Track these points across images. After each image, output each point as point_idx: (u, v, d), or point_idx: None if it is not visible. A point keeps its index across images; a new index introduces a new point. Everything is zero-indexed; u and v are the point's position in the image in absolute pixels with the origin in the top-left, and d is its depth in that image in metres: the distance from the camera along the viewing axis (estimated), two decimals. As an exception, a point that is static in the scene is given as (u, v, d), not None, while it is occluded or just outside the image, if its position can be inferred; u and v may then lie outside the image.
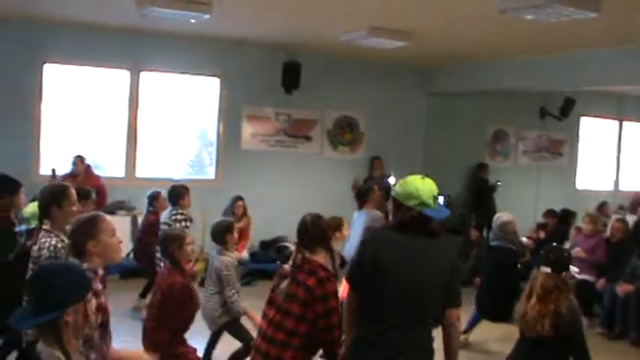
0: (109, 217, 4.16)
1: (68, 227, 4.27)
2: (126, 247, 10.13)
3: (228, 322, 6.64)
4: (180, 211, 8.37)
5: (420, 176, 4.21)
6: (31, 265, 4.88)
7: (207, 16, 8.81)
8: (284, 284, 4.89)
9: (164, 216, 8.54)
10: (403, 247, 4.09)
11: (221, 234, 6.78)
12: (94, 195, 7.74)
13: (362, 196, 8.94)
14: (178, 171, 12.19)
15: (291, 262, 4.96)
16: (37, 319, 2.82)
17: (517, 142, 15.43)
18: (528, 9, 7.43)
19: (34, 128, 10.84)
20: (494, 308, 8.08)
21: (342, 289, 5.63)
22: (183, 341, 5.81)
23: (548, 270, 5.14)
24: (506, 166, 15.15)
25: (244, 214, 10.90)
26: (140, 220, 10.55)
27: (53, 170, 10.37)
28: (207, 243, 11.15)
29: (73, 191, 5.07)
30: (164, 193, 9.04)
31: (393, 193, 4.23)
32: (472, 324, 8.40)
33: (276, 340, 4.73)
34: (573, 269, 8.44)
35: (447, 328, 4.17)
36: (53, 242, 4.73)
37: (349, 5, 8.54)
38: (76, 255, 3.99)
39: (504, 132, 15.20)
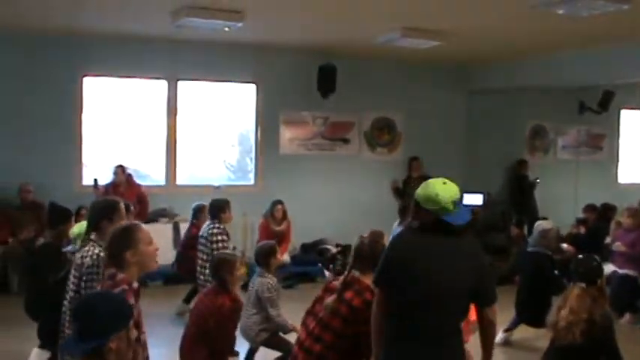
0: (144, 226, 4.20)
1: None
2: (169, 254, 10.29)
3: (267, 339, 6.69)
4: (217, 225, 8.41)
5: (442, 180, 4.16)
6: (73, 272, 5.01)
7: (240, 24, 8.95)
8: (330, 299, 4.97)
9: (202, 229, 8.63)
10: (425, 247, 4.09)
11: (265, 257, 6.80)
12: (132, 208, 7.92)
13: (405, 210, 8.97)
14: (220, 177, 12.33)
15: (341, 278, 5.01)
16: (83, 346, 2.93)
17: (556, 137, 15.32)
18: (559, 3, 7.45)
19: (76, 139, 11.08)
20: (534, 314, 8.04)
21: None
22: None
23: (583, 285, 5.16)
24: (546, 162, 15.04)
25: (284, 217, 11.02)
26: (182, 227, 10.71)
27: (95, 180, 10.57)
28: (248, 247, 11.34)
29: (123, 206, 5.21)
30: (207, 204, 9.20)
31: (415, 195, 4.19)
32: (515, 323, 8.37)
33: (313, 352, 4.82)
34: (608, 267, 8.44)
35: (482, 327, 4.18)
36: (96, 251, 4.84)
37: (382, 7, 8.60)
38: (114, 265, 4.03)
39: (543, 128, 15.10)
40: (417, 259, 4.07)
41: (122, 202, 5.35)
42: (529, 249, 8.41)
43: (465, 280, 4.01)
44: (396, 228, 9.05)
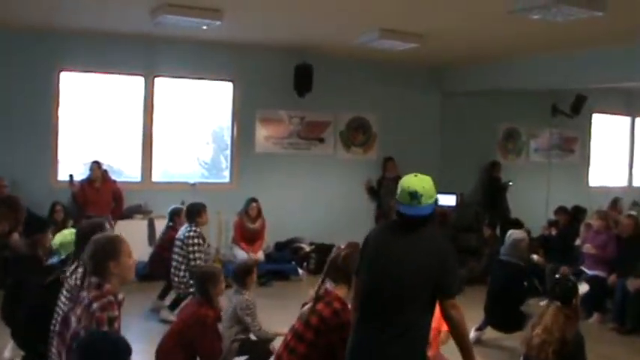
0: (125, 239, 4.30)
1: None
2: (144, 250, 10.33)
3: (241, 346, 6.70)
4: (194, 229, 8.57)
5: (412, 174, 4.30)
6: (65, 294, 5.14)
7: (218, 22, 9.00)
8: (304, 309, 5.10)
9: (180, 233, 8.72)
10: (387, 239, 4.26)
11: (242, 275, 6.82)
12: (111, 223, 8.06)
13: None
14: (194, 174, 12.34)
15: (314, 291, 5.10)
16: None
17: (528, 140, 15.49)
18: (535, 9, 7.56)
19: (52, 135, 11.03)
20: (502, 321, 8.15)
21: None
22: None
23: (558, 304, 5.27)
24: (518, 164, 15.21)
25: (259, 215, 11.08)
26: (157, 223, 10.75)
27: (71, 176, 10.56)
28: (222, 245, 11.39)
29: (108, 225, 5.43)
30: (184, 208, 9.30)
31: None
32: (485, 324, 8.48)
33: None
34: (584, 287, 8.61)
35: (446, 320, 4.27)
36: None
37: (360, 8, 8.66)
38: (96, 275, 4.13)
39: (516, 130, 15.26)
40: (376, 251, 4.24)
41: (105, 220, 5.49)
42: (501, 257, 8.47)
43: (425, 273, 4.10)
44: None
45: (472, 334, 8.30)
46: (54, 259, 6.24)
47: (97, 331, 3.60)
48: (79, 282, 4.92)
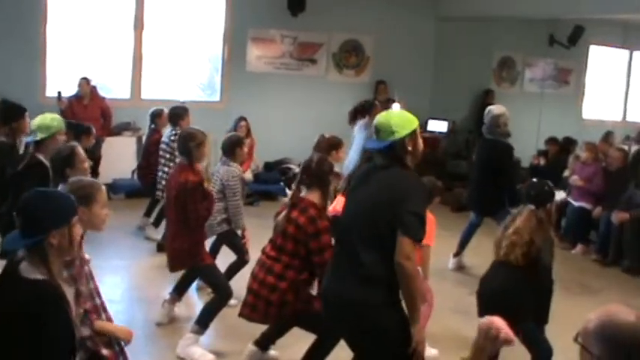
0: (104, 189, 4.15)
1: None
2: (131, 167, 10.34)
3: (226, 232, 6.75)
4: (179, 131, 8.50)
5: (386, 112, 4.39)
6: None
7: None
8: (280, 217, 5.05)
9: (165, 136, 8.69)
10: (359, 180, 4.26)
11: (232, 147, 6.82)
12: (93, 130, 7.95)
13: (363, 111, 8.89)
14: (185, 93, 12.19)
15: (288, 198, 5.10)
16: (23, 242, 3.09)
17: (523, 69, 15.37)
18: None
19: (40, 50, 10.82)
20: (485, 202, 8.13)
21: (335, 203, 5.81)
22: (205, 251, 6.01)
23: (532, 207, 5.23)
24: (512, 93, 15.10)
25: (248, 135, 10.99)
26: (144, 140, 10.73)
27: (59, 92, 10.41)
28: (212, 164, 11.34)
29: (81, 150, 5.31)
30: (167, 110, 9.22)
31: None
32: (462, 244, 8.50)
33: (273, 270, 4.91)
34: (560, 194, 8.55)
35: (396, 269, 3.90)
36: None
37: None
38: None
39: (511, 59, 15.13)
40: (350, 195, 4.31)
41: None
42: (486, 136, 8.35)
43: (380, 211, 3.96)
44: (357, 131, 8.95)
45: (451, 261, 8.38)
46: (29, 139, 6.11)
47: (38, 190, 3.41)
48: None
